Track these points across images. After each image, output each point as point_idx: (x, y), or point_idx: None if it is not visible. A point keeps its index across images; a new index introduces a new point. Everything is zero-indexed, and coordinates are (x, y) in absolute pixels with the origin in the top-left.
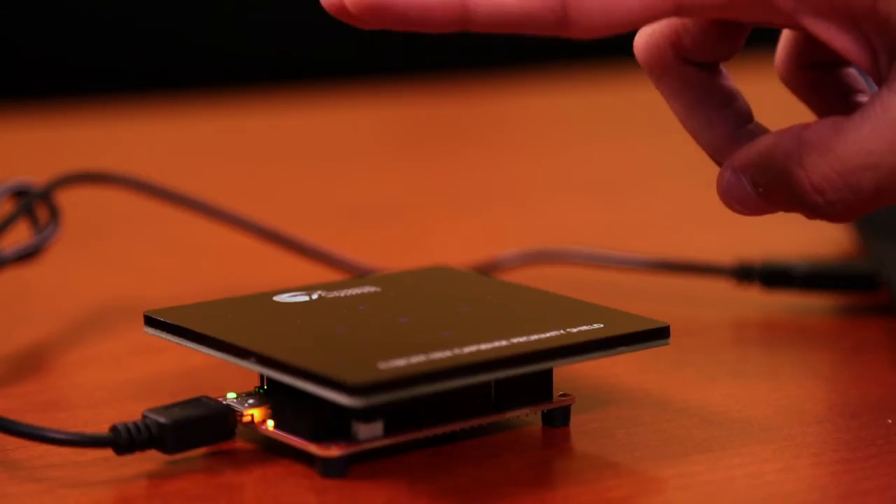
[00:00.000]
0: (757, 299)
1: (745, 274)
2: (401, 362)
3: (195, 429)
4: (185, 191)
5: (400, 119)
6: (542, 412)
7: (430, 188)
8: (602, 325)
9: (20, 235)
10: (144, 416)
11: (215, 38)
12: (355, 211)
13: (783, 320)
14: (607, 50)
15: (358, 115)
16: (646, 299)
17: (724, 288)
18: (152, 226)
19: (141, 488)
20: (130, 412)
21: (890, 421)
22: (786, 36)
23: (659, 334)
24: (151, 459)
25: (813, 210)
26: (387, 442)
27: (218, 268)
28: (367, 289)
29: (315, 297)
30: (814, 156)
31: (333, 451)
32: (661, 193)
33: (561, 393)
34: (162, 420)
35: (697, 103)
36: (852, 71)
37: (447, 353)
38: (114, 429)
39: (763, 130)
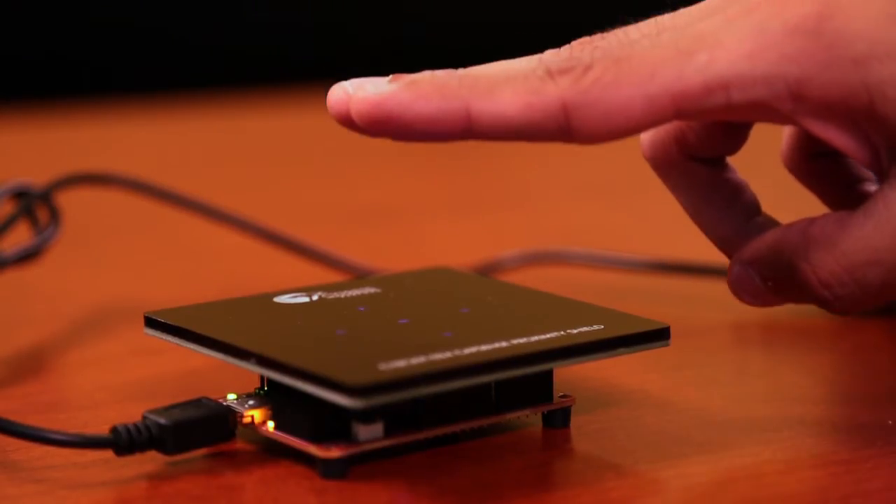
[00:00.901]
0: None
1: None
2: (401, 363)
3: (195, 430)
4: (186, 192)
5: None
6: (543, 413)
7: (430, 189)
8: (602, 327)
9: (20, 236)
10: (144, 418)
11: (216, 38)
12: (356, 212)
13: (783, 322)
14: None
15: None
16: (646, 300)
17: (724, 289)
18: (153, 227)
19: (141, 489)
20: (130, 413)
21: (890, 422)
22: (789, 129)
23: (659, 335)
24: (151, 460)
25: (822, 303)
26: (387, 443)
27: (218, 269)
28: (367, 290)
29: (315, 298)
30: (820, 252)
31: (334, 453)
32: (662, 195)
33: (561, 394)
34: (162, 421)
35: (705, 198)
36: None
37: (447, 355)
38: (114, 430)
39: (771, 222)
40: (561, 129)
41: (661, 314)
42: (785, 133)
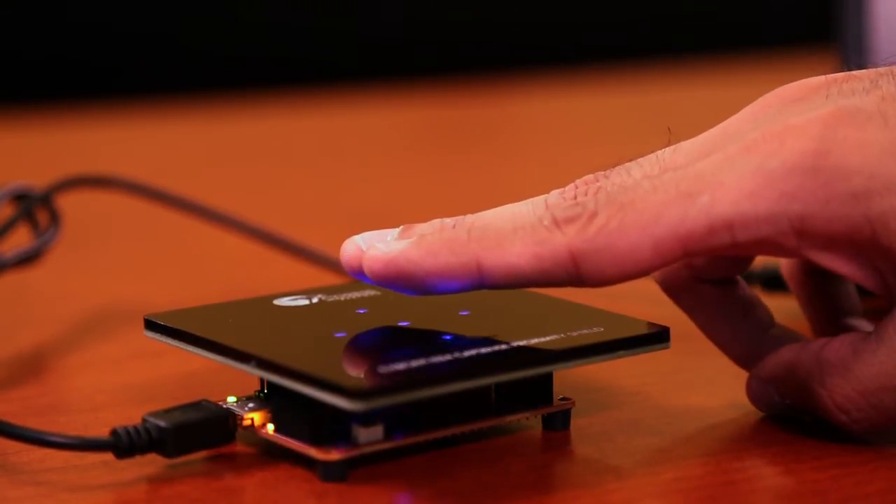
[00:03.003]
0: None
1: (746, 278)
2: (401, 366)
3: (195, 432)
4: (186, 194)
5: (400, 122)
6: (543, 416)
7: (430, 191)
8: (602, 329)
9: (20, 239)
10: (145, 420)
11: (217, 40)
12: (356, 214)
13: (783, 324)
14: (609, 54)
15: (359, 118)
16: (646, 303)
17: None
18: (152, 229)
19: (141, 492)
20: (130, 416)
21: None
22: None
23: (659, 338)
24: (151, 463)
25: (840, 425)
26: (387, 445)
27: (218, 271)
28: (367, 292)
29: (315, 300)
30: (834, 377)
31: (333, 455)
32: None
33: (561, 397)
34: (162, 424)
35: (717, 317)
36: (852, 290)
37: (447, 357)
38: (114, 432)
39: (787, 334)
40: (570, 276)
41: (660, 317)
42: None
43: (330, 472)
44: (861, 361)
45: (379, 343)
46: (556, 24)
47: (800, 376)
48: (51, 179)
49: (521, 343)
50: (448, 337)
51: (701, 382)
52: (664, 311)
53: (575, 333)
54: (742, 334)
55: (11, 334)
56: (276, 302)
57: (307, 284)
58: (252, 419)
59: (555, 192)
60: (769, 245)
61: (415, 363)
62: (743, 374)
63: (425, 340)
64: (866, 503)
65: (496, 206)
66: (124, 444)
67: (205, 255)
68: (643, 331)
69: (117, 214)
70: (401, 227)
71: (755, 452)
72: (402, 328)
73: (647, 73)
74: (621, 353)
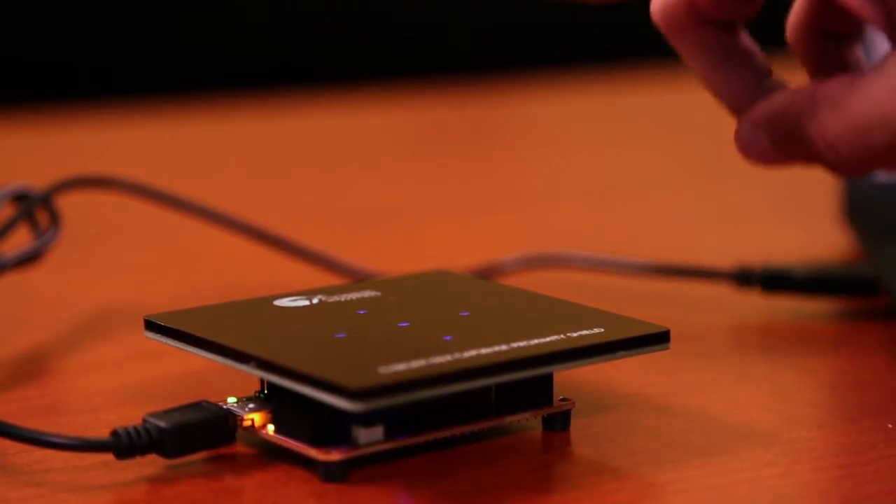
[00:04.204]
0: (757, 304)
1: (745, 278)
2: (401, 367)
3: (195, 433)
4: (186, 195)
5: (400, 123)
6: (543, 416)
7: (430, 192)
8: (602, 330)
9: (20, 240)
10: (145, 421)
11: (216, 41)
12: (356, 215)
13: (783, 325)
14: (609, 55)
15: (359, 118)
16: (646, 304)
17: (724, 292)
18: (152, 230)
19: (141, 493)
20: (131, 416)
21: (890, 425)
22: (800, 2)
23: (659, 339)
24: (152, 464)
25: (827, 165)
26: (387, 446)
27: (218, 272)
28: (367, 293)
29: (315, 301)
30: (827, 112)
31: (334, 456)
32: (662, 198)
33: (561, 397)
34: (162, 424)
35: (716, 62)
36: (859, 51)
37: (447, 358)
38: (114, 433)
39: (782, 85)
40: None
41: (660, 317)
42: (795, 5)
43: (330, 473)
44: (856, 96)
45: (379, 344)
46: (556, 26)
47: (792, 115)
48: (51, 180)
49: (521, 343)
50: (448, 337)
51: (701, 383)
52: (664, 311)
53: (575, 334)
54: (739, 80)
55: (11, 335)
56: (276, 302)
57: (307, 285)
58: (252, 420)
59: None
60: None
61: (415, 363)
62: (743, 375)
63: (425, 341)
64: None
65: (495, 209)
66: (124, 445)
67: (205, 255)
68: (643, 331)
69: (117, 215)
70: None
71: (755, 453)
72: (402, 328)
73: (647, 74)
74: (621, 353)
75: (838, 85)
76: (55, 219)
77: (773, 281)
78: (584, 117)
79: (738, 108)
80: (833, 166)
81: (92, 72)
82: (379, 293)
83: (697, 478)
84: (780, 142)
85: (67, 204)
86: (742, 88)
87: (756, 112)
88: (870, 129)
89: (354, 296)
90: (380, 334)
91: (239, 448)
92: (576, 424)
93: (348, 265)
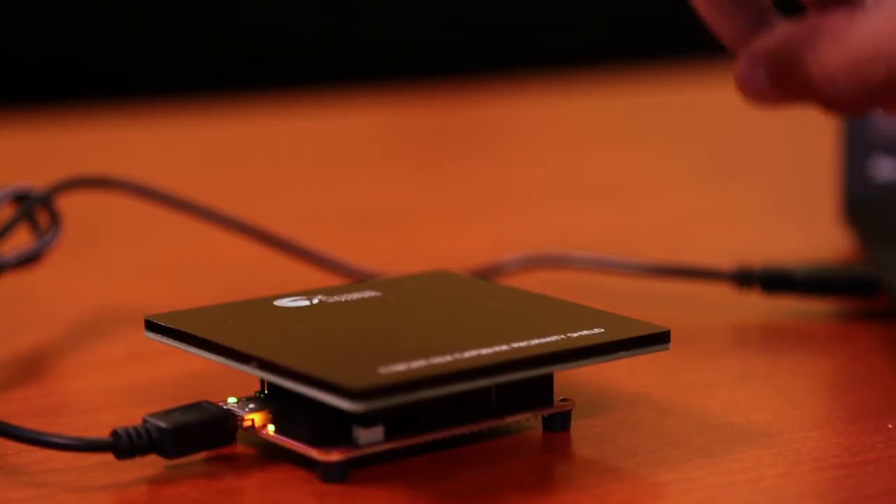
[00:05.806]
0: (757, 304)
1: (746, 278)
2: (401, 367)
3: (196, 433)
4: (186, 195)
5: (401, 123)
6: (543, 417)
7: (431, 193)
8: (603, 330)
9: (21, 240)
10: (145, 421)
11: (217, 41)
12: (356, 215)
13: (783, 325)
14: (604, 55)
15: (360, 119)
16: (646, 304)
17: (724, 292)
18: (153, 230)
19: (141, 493)
20: (131, 417)
21: (890, 426)
22: None
23: (659, 339)
24: (152, 464)
25: (824, 100)
26: (387, 447)
27: (219, 272)
28: (367, 293)
29: (316, 301)
30: (827, 44)
31: (334, 456)
32: (662, 198)
33: (561, 398)
34: (162, 425)
35: None
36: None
37: (448, 358)
38: (114, 433)
39: (782, 21)
40: None
41: (661, 318)
42: None
43: (330, 473)
44: (856, 28)
45: (379, 344)
46: (551, 26)
47: (792, 47)
48: (51, 180)
49: (522, 344)
50: (448, 338)
51: (701, 383)
52: (664, 311)
53: (575, 334)
54: (740, 16)
55: (12, 335)
56: (277, 303)
57: (307, 285)
58: (252, 420)
59: None
60: None
61: (415, 363)
62: (743, 375)
63: (426, 341)
64: None
65: (496, 209)
66: (125, 445)
67: (205, 256)
68: (643, 332)
69: (118, 215)
70: None
71: (755, 454)
72: (402, 329)
73: (642, 75)
74: (622, 353)
75: (839, 18)
76: (55, 219)
77: (774, 281)
78: (584, 117)
79: (736, 42)
80: (830, 103)
81: (92, 72)
82: (379, 293)
83: (698, 478)
84: (778, 77)
85: (67, 204)
86: (742, 24)
87: (756, 46)
88: (869, 61)
89: (355, 296)
90: (380, 334)
91: (239, 448)
92: (576, 425)
93: (349, 266)
